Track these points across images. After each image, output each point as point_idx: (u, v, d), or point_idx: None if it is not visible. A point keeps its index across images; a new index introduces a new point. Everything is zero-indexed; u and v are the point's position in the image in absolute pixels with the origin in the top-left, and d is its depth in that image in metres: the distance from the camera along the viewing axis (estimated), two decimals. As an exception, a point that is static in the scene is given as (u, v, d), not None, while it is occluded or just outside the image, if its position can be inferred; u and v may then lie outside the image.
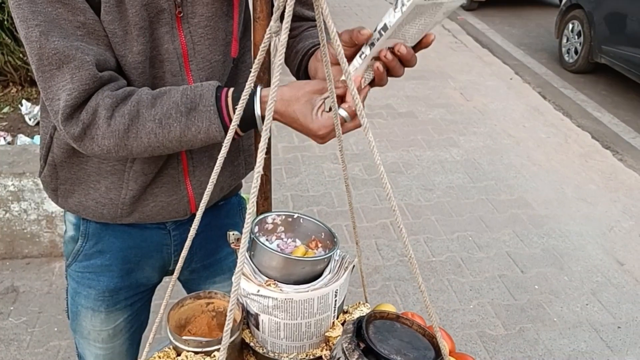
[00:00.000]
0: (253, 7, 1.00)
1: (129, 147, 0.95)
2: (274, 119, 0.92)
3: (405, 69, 0.93)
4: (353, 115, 0.91)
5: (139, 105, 0.93)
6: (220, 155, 0.75)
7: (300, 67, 1.11)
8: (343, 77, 0.90)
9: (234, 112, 0.91)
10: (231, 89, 0.94)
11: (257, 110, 0.91)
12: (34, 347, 2.35)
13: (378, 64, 0.90)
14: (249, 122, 0.92)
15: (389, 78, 0.94)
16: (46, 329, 2.45)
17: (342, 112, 0.90)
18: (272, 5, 1.00)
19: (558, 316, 2.66)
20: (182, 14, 0.99)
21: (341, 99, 0.92)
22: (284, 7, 0.62)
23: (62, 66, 0.89)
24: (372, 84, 0.94)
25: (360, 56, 0.91)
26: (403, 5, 0.79)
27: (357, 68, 0.91)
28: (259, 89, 0.92)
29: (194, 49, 1.03)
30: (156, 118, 0.92)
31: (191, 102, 0.93)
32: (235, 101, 0.92)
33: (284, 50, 0.62)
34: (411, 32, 0.87)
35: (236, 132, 0.94)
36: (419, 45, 0.92)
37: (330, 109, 0.90)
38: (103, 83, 0.93)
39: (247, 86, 0.71)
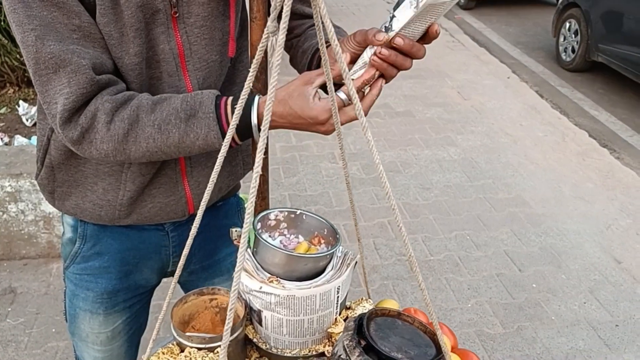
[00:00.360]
0: (250, 6, 1.00)
1: (127, 152, 0.95)
2: (276, 124, 0.92)
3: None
4: (359, 89, 0.91)
5: (138, 110, 0.93)
6: (220, 154, 0.75)
7: (311, 64, 1.11)
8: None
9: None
10: (230, 98, 0.94)
11: (254, 120, 0.91)
12: (31, 348, 2.35)
13: (373, 57, 0.90)
14: (247, 131, 0.93)
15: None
16: (44, 330, 2.44)
17: (342, 95, 0.90)
18: (269, 5, 1.00)
19: (556, 314, 2.66)
20: (177, 14, 0.99)
21: (338, 86, 0.92)
22: (282, 7, 0.62)
23: (59, 70, 0.88)
24: (384, 77, 0.94)
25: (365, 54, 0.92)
26: (418, 3, 0.80)
27: (360, 66, 0.92)
28: (256, 98, 0.92)
29: (190, 49, 1.02)
30: (155, 123, 0.93)
31: (191, 108, 0.93)
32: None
33: (282, 50, 0.62)
34: (418, 28, 0.88)
35: (234, 140, 0.94)
36: (427, 37, 0.91)
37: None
38: (101, 86, 0.93)
39: (245, 86, 0.70)
